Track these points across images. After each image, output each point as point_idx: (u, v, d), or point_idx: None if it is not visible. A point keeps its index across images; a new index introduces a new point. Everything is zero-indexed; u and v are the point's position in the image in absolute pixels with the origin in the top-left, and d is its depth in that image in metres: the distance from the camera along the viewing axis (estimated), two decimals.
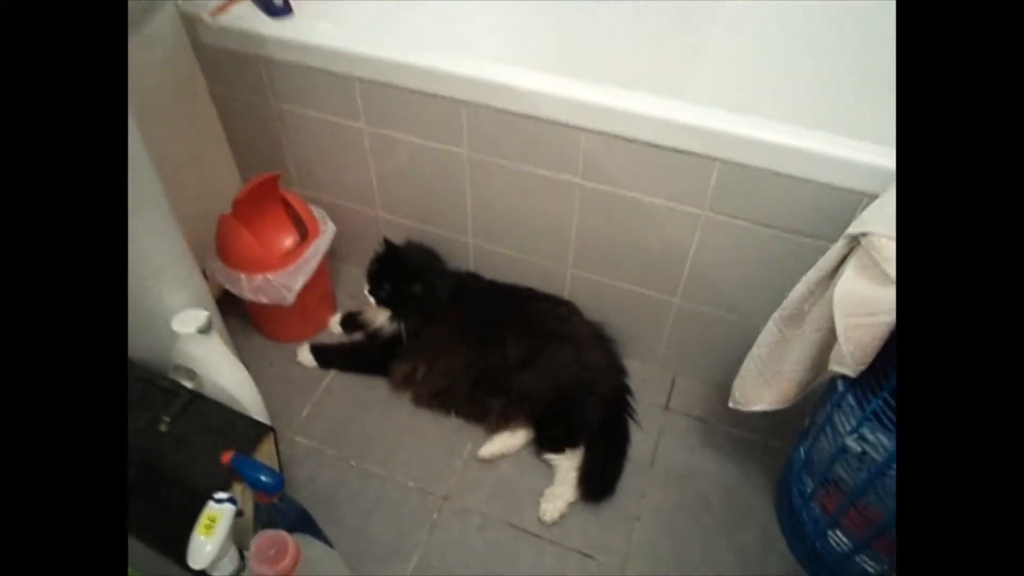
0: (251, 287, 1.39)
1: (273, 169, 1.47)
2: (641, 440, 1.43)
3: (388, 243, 1.46)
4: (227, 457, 1.01)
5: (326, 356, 1.56)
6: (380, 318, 1.49)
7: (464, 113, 1.26)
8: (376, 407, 1.49)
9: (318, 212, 1.52)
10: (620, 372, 1.51)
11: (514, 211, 1.40)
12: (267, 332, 1.61)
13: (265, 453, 1.15)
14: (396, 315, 1.46)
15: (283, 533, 0.94)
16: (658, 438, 1.45)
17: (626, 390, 1.49)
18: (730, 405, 1.18)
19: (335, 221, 1.54)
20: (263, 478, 1.02)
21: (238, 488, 1.10)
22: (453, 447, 1.42)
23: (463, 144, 1.32)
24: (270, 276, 1.39)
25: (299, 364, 1.56)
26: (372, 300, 1.45)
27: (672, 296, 1.40)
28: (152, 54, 1.34)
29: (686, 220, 1.24)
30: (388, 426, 1.45)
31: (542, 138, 1.23)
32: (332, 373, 1.55)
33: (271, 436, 1.14)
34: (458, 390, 1.42)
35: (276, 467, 1.18)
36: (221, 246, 1.41)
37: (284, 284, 1.39)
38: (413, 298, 1.44)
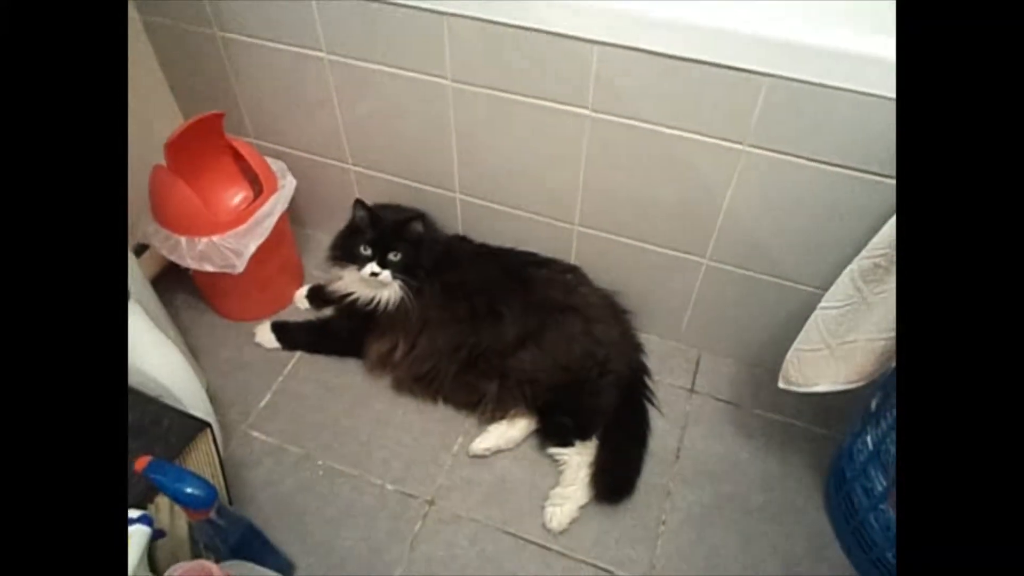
0: (193, 252, 1.15)
1: (227, 116, 1.22)
2: (663, 429, 1.21)
3: (364, 204, 1.21)
4: (141, 464, 0.79)
5: (290, 335, 1.32)
6: (354, 285, 1.24)
7: (446, 30, 1.02)
8: (348, 395, 1.26)
9: (276, 165, 1.28)
10: (636, 349, 1.29)
11: (509, 156, 1.16)
12: (220, 309, 1.38)
13: (199, 455, 0.91)
14: (407, 281, 1.20)
15: (205, 565, 0.71)
16: (683, 427, 1.22)
17: (644, 370, 1.26)
18: (780, 386, 0.96)
19: (300, 179, 1.29)
20: (188, 489, 0.79)
21: (164, 501, 0.87)
22: (440, 441, 1.19)
23: (445, 71, 1.08)
24: (216, 239, 1.15)
25: (257, 345, 1.33)
26: (384, 276, 1.18)
27: (701, 256, 1.16)
28: None
29: (722, 158, 1.00)
30: (362, 417, 1.22)
31: (543, 59, 0.99)
32: (297, 355, 1.32)
33: (208, 433, 0.91)
34: (445, 372, 1.19)
35: (217, 472, 0.95)
36: (156, 204, 1.17)
37: (232, 248, 1.15)
38: (421, 248, 1.21)
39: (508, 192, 1.23)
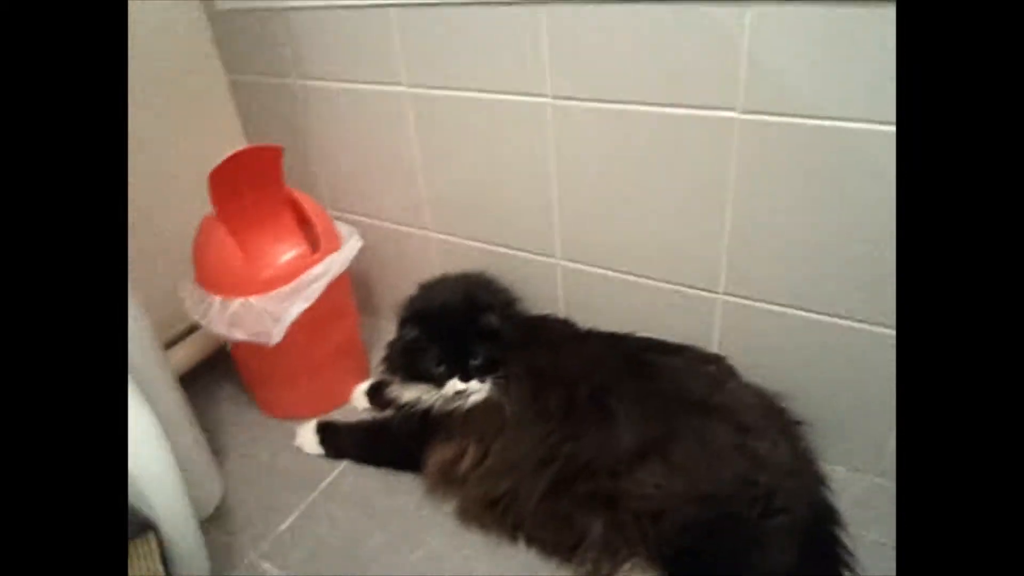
0: (224, 316, 0.92)
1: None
2: None
3: (416, 319, 0.94)
4: None
5: (336, 439, 1.03)
6: (429, 394, 0.94)
7: (544, 18, 0.80)
8: (397, 522, 0.91)
9: (345, 228, 1.07)
10: (817, 481, 0.86)
11: (626, 195, 0.87)
12: (263, 402, 1.12)
13: (136, 572, 0.60)
14: (498, 378, 0.90)
15: None
16: None
17: (832, 517, 0.82)
18: None
19: (374, 255, 1.09)
20: None
21: None
22: None
23: (545, 86, 0.84)
24: (252, 300, 0.92)
25: (298, 449, 1.04)
26: (473, 386, 0.90)
27: None
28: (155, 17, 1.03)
29: None
30: (412, 556, 0.87)
31: (673, 45, 0.73)
32: (343, 465, 1.01)
33: (151, 542, 0.60)
34: (527, 495, 0.82)
35: None
36: (198, 259, 0.98)
37: (270, 310, 0.92)
38: (500, 338, 0.92)
39: (623, 251, 0.93)
